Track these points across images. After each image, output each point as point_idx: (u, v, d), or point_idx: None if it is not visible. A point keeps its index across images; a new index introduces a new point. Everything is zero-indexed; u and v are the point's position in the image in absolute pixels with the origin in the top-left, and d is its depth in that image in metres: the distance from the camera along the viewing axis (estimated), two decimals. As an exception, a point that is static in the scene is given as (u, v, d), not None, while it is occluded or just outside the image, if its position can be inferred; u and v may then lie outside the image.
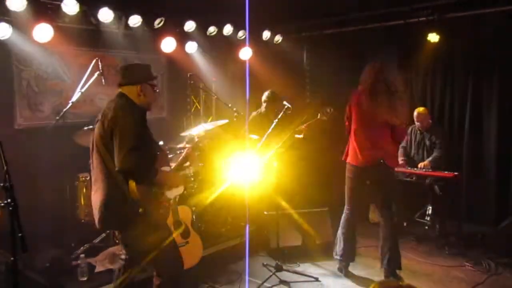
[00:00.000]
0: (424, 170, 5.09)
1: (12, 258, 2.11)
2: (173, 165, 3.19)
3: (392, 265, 4.03)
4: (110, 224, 2.89)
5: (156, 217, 2.84)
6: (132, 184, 2.67)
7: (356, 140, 4.01)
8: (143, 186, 2.71)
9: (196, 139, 3.31)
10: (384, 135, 3.92)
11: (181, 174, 3.05)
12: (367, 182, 4.04)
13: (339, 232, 4.25)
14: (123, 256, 3.17)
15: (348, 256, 4.23)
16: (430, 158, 5.20)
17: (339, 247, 4.24)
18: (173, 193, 3.04)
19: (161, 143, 3.23)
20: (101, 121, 2.80)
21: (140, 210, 2.69)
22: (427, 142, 5.32)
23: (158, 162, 2.88)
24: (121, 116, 2.71)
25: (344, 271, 4.27)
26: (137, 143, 2.64)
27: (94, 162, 2.86)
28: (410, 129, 5.55)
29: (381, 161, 3.89)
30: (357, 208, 4.22)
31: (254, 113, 5.58)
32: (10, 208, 2.05)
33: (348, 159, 4.09)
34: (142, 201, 2.70)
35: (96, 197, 2.82)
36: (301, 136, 5.04)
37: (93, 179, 2.89)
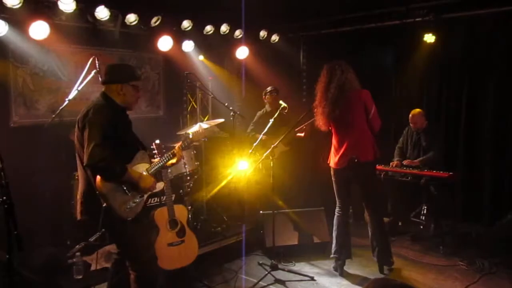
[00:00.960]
0: (419, 169, 5.11)
1: (7, 256, 2.10)
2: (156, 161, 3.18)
3: (381, 258, 4.22)
4: (85, 217, 3.00)
5: (122, 212, 2.88)
6: (98, 179, 2.78)
7: (332, 143, 4.22)
8: (109, 182, 2.82)
9: (189, 138, 3.30)
10: (355, 134, 4.04)
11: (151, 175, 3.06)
12: (350, 181, 4.19)
13: (333, 231, 4.33)
14: (115, 255, 3.19)
15: (342, 254, 4.27)
16: (420, 158, 5.23)
17: (333, 245, 4.30)
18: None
19: (157, 141, 3.22)
20: (77, 120, 2.94)
21: (104, 204, 2.79)
22: (423, 143, 5.32)
23: (133, 160, 2.97)
24: (92, 114, 2.83)
25: (339, 271, 4.29)
26: (103, 141, 2.75)
27: (77, 158, 3.01)
28: (406, 129, 5.56)
29: (355, 160, 4.02)
30: (346, 207, 4.31)
31: (259, 112, 5.61)
32: (6, 206, 2.05)
33: (330, 162, 4.25)
34: (106, 196, 2.80)
35: (78, 192, 3.01)
36: (302, 134, 5.07)
37: None
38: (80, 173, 2.99)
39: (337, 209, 4.30)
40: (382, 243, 4.20)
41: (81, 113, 2.92)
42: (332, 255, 4.31)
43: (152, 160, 3.14)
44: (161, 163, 3.12)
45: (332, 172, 4.24)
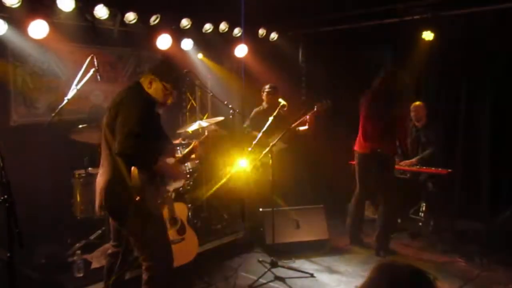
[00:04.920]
0: (417, 167, 5.13)
1: (8, 254, 2.10)
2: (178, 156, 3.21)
3: (380, 241, 4.65)
4: (108, 208, 2.88)
5: (153, 207, 2.85)
6: (134, 170, 2.69)
7: (362, 132, 4.70)
8: (145, 174, 2.74)
9: (206, 134, 3.31)
10: (383, 130, 4.52)
11: (182, 168, 3.08)
12: (372, 169, 4.66)
13: (349, 210, 4.89)
14: (110, 251, 3.18)
15: (353, 226, 4.85)
16: (418, 156, 5.25)
17: (347, 221, 4.92)
18: (172, 185, 3.06)
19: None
20: (109, 107, 2.87)
21: (137, 197, 2.70)
22: (423, 139, 5.35)
23: (164, 154, 2.92)
24: (126, 102, 2.77)
25: (354, 240, 4.87)
26: (138, 129, 2.66)
27: (102, 147, 2.93)
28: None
29: (378, 150, 4.53)
30: (364, 190, 4.80)
31: (256, 109, 5.59)
32: (7, 205, 2.05)
33: (356, 147, 4.76)
34: (141, 189, 2.72)
35: (100, 180, 2.89)
36: (306, 127, 5.05)
37: (100, 163, 2.96)
38: (105, 163, 2.87)
39: (356, 191, 4.84)
40: (382, 228, 4.64)
41: (114, 100, 2.85)
42: (346, 227, 4.95)
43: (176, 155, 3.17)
44: (183, 158, 3.15)
45: (356, 157, 4.79)
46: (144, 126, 2.73)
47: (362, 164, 4.71)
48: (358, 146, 4.75)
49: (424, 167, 5.07)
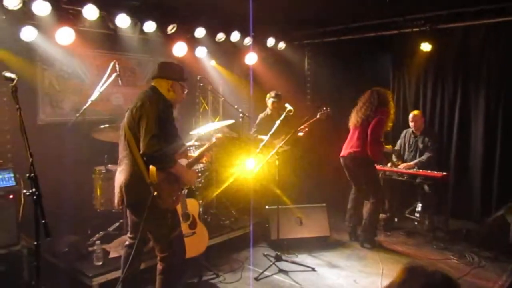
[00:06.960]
0: (415, 170, 5.10)
1: (35, 243, 2.13)
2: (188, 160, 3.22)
3: (365, 233, 4.77)
4: (128, 203, 2.92)
5: (168, 202, 2.88)
6: (153, 168, 2.74)
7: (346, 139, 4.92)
8: (162, 172, 2.78)
9: (214, 139, 3.32)
10: (358, 137, 4.67)
11: (194, 171, 3.09)
12: (353, 169, 4.78)
13: (348, 208, 4.98)
14: (127, 242, 3.20)
15: (351, 222, 4.94)
16: (416, 160, 5.22)
17: (346, 215, 5.00)
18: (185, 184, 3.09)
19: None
20: (130, 110, 2.90)
21: (155, 193, 2.74)
22: (420, 145, 5.32)
23: (178, 155, 2.95)
24: (148, 105, 2.80)
25: (351, 235, 4.95)
26: (160, 131, 2.72)
27: (121, 146, 2.96)
28: (404, 132, 5.56)
29: (351, 152, 4.70)
30: (356, 188, 4.92)
31: (261, 115, 5.60)
32: (34, 197, 2.08)
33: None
34: (158, 186, 2.75)
35: (120, 177, 2.92)
36: (302, 134, 5.11)
37: (119, 161, 2.99)
38: (124, 161, 2.90)
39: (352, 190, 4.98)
40: (365, 226, 4.75)
41: (135, 104, 2.87)
42: (346, 222, 5.00)
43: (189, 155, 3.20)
44: (194, 160, 3.18)
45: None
46: (165, 128, 2.79)
47: (342, 165, 4.86)
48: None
49: (421, 170, 5.04)
